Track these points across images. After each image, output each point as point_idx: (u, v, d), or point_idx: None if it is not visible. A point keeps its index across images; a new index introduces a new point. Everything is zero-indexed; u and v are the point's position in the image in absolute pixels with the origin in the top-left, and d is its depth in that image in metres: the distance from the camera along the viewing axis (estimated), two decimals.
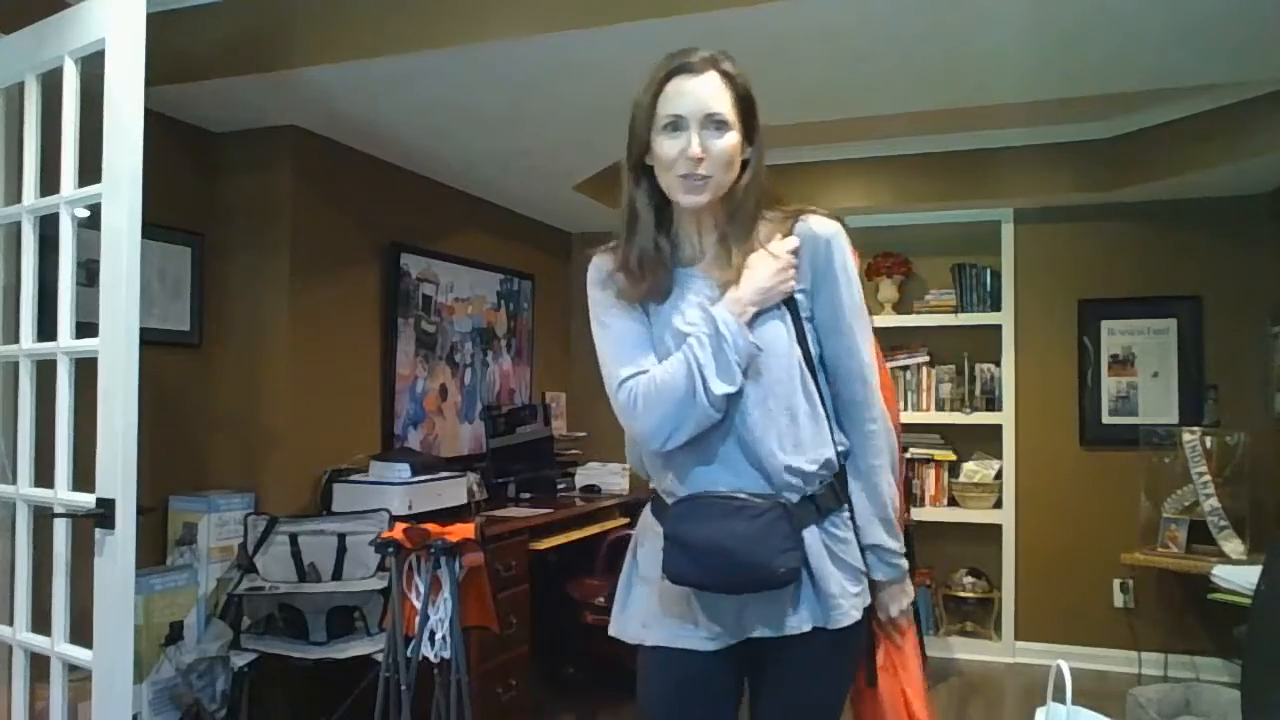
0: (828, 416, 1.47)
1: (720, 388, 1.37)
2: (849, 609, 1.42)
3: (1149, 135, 4.03)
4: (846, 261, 1.47)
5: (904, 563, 1.49)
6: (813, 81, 2.92)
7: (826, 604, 1.41)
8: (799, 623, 1.41)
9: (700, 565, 1.38)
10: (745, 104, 1.44)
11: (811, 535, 1.42)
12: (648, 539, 1.53)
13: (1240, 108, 3.63)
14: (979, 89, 3.08)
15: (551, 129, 3.36)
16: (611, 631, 1.56)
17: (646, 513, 1.56)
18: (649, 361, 1.44)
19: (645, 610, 1.50)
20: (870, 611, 1.50)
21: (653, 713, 1.52)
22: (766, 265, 1.42)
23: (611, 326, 1.49)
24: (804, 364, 1.45)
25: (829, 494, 1.46)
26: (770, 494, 1.40)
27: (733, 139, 1.41)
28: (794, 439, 1.43)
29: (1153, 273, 4.42)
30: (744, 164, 1.46)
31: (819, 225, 1.47)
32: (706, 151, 1.39)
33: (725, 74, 1.42)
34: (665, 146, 1.41)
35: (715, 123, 1.40)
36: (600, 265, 1.53)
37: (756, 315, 1.42)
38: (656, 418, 1.39)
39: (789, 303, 1.45)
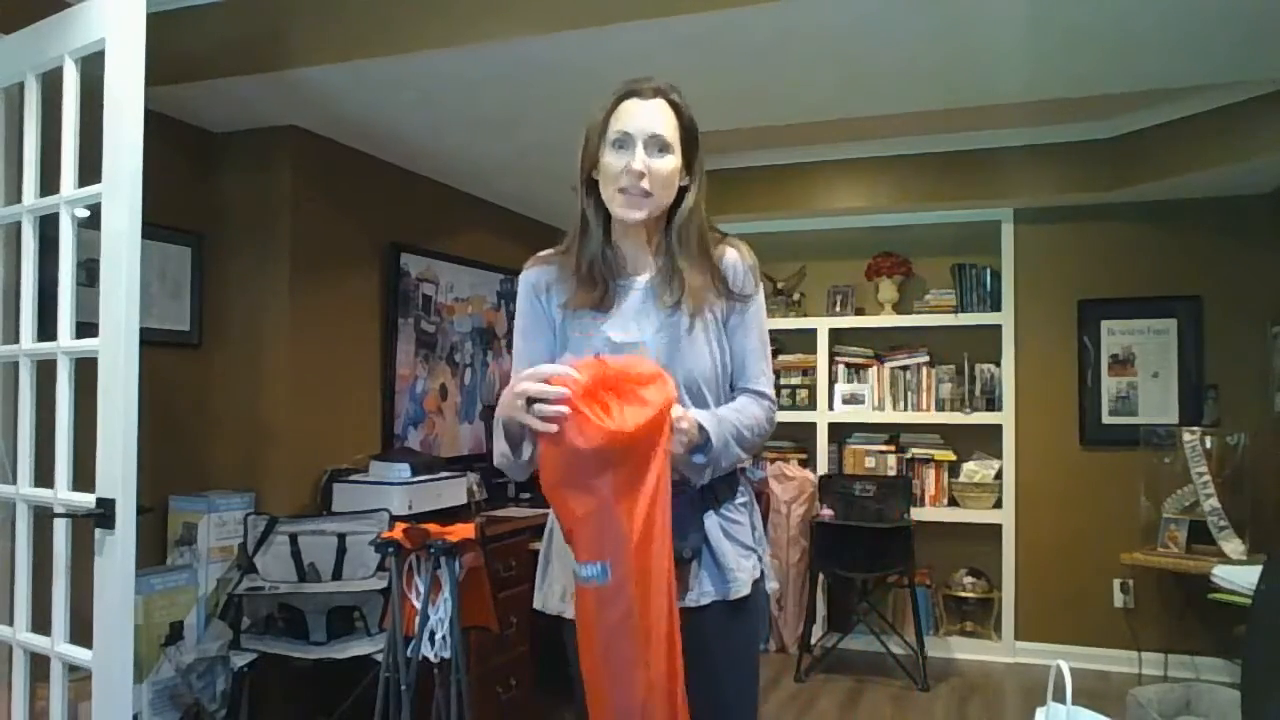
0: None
1: (504, 461, 1.56)
2: (744, 581, 1.58)
3: (1149, 135, 4.03)
4: (751, 283, 1.64)
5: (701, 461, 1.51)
6: (813, 81, 2.92)
7: (725, 578, 1.57)
8: (702, 596, 1.55)
9: None
10: (688, 134, 1.56)
11: (710, 520, 1.58)
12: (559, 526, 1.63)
13: (1240, 108, 3.63)
14: (979, 89, 3.08)
15: (551, 129, 3.35)
16: (535, 605, 1.69)
17: None
18: None
19: (563, 587, 1.62)
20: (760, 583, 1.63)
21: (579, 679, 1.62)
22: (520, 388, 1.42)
23: (527, 343, 1.63)
24: (720, 370, 1.60)
25: (725, 485, 1.61)
26: (678, 483, 1.48)
27: (673, 162, 1.53)
28: None
29: (1153, 273, 4.42)
30: (684, 190, 1.58)
31: (734, 251, 1.64)
32: (648, 169, 1.50)
33: (672, 103, 1.55)
34: (611, 160, 1.52)
35: (659, 144, 1.52)
36: (534, 279, 1.63)
37: (685, 321, 1.56)
38: (496, 452, 1.59)
39: (712, 316, 1.58)
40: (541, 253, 1.67)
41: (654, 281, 1.59)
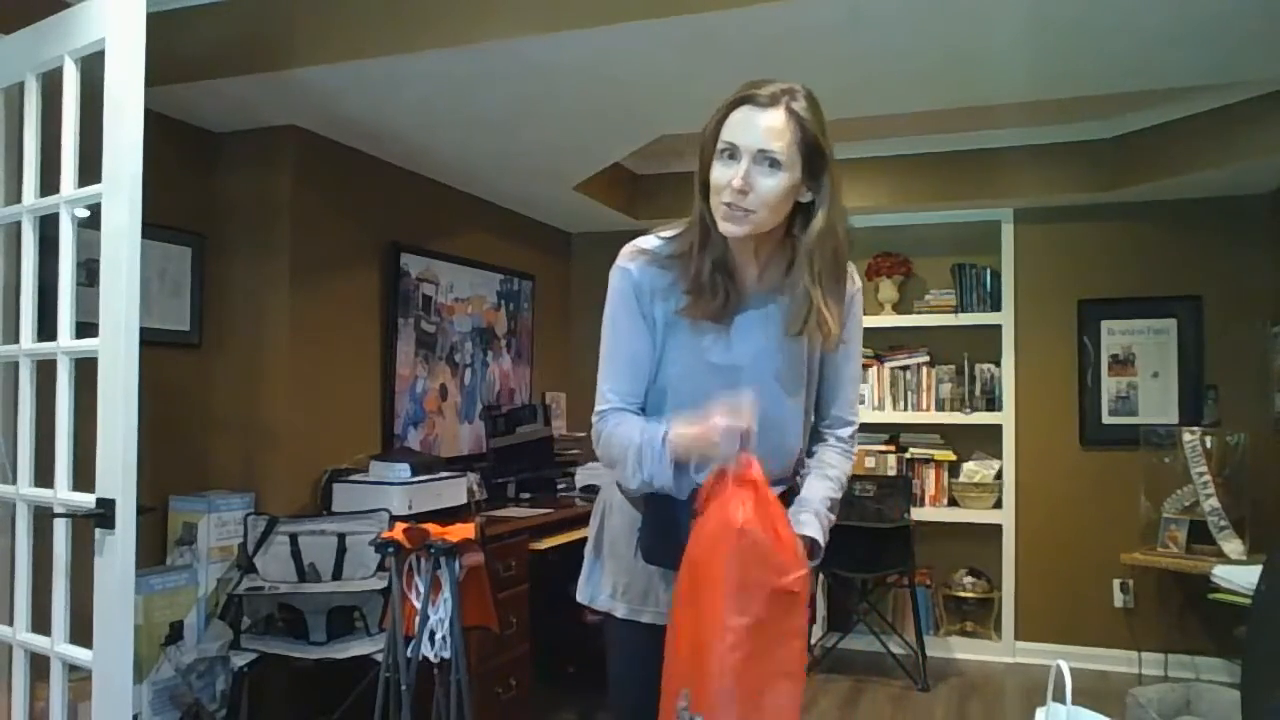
0: (805, 432, 1.61)
1: (645, 486, 1.47)
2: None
3: (1149, 135, 4.03)
4: (860, 313, 1.64)
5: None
6: (813, 81, 2.90)
7: None
8: None
9: (676, 550, 1.44)
10: (810, 148, 1.42)
11: None
12: (615, 515, 1.62)
13: (1240, 108, 3.63)
14: (979, 89, 3.08)
15: (551, 129, 3.36)
16: (579, 598, 1.66)
17: (612, 490, 1.63)
18: (635, 393, 1.53)
19: (613, 583, 1.60)
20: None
21: (620, 679, 1.65)
22: (716, 431, 1.38)
23: (623, 338, 1.53)
24: (805, 401, 1.58)
25: (787, 492, 1.58)
26: None
27: (783, 180, 1.40)
28: (783, 449, 1.55)
29: (1153, 273, 4.42)
30: (806, 206, 1.45)
31: (853, 276, 1.60)
32: (750, 186, 1.39)
33: (793, 113, 1.40)
34: (717, 172, 1.42)
35: (768, 160, 1.39)
36: (639, 280, 1.52)
37: (798, 351, 1.53)
38: (606, 459, 1.55)
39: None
40: (643, 243, 1.54)
41: (772, 303, 1.51)
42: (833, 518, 1.56)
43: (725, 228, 1.43)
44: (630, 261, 1.53)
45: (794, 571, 1.34)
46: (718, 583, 1.33)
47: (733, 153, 1.40)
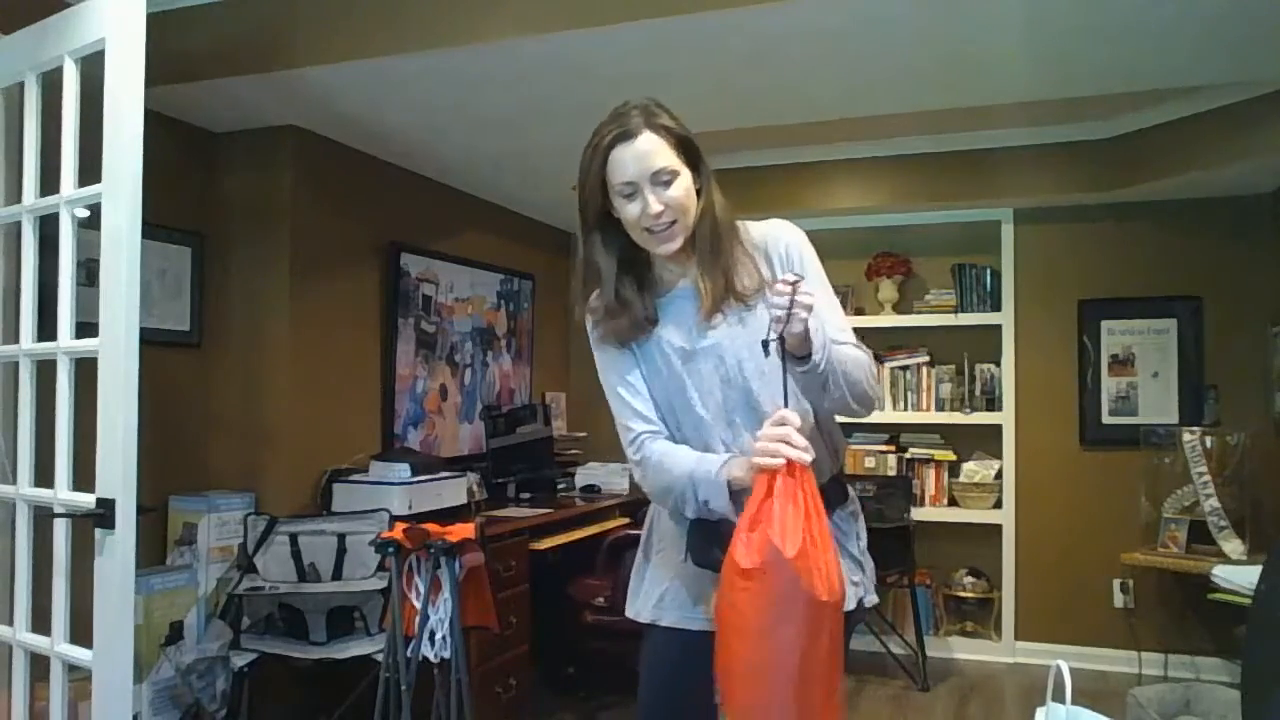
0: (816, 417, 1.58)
1: (702, 510, 1.49)
2: (851, 597, 1.54)
3: (1149, 135, 4.03)
4: (804, 254, 1.60)
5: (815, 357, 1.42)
6: (813, 81, 2.92)
7: None
8: None
9: (725, 551, 1.43)
10: (685, 146, 1.53)
11: None
12: (661, 526, 1.64)
13: (1240, 108, 3.62)
14: (979, 89, 3.08)
15: (551, 129, 3.35)
16: (628, 613, 1.66)
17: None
18: (652, 415, 1.58)
19: (660, 592, 1.61)
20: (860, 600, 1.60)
21: (655, 690, 1.63)
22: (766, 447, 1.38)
23: (611, 375, 1.61)
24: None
25: (836, 488, 1.61)
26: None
27: (684, 183, 1.51)
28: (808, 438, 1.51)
29: (1153, 273, 4.42)
30: (697, 193, 1.55)
31: (775, 229, 1.62)
32: (664, 203, 1.49)
33: (660, 127, 1.50)
34: (627, 210, 1.51)
35: (664, 176, 1.49)
36: (602, 332, 1.62)
37: (741, 314, 1.54)
38: (656, 490, 1.56)
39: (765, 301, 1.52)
40: (592, 304, 1.62)
41: (697, 286, 1.57)
42: (841, 360, 1.44)
43: (661, 249, 1.52)
44: (590, 323, 1.63)
45: (829, 600, 1.32)
46: (754, 608, 1.33)
47: (634, 190, 1.49)
